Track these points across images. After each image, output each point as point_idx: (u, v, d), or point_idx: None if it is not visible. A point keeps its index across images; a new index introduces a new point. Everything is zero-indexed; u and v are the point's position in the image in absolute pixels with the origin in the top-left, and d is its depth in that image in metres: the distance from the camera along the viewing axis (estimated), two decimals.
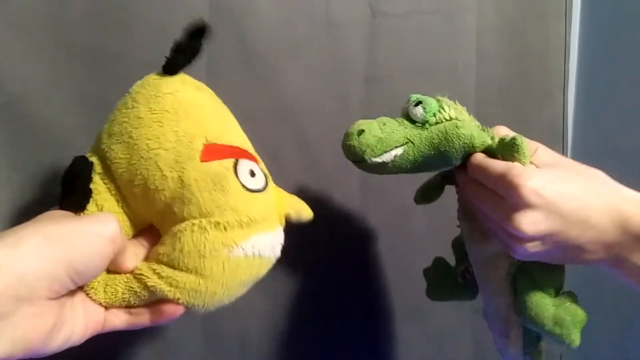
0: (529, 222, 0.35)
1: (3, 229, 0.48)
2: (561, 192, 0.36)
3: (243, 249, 0.33)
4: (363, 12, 0.57)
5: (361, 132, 0.40)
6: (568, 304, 0.41)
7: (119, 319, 0.34)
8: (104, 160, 0.35)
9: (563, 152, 0.67)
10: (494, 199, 0.38)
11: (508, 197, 0.36)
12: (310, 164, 0.57)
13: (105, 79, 0.47)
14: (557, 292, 0.42)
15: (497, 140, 0.40)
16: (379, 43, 0.58)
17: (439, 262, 0.53)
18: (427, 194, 0.50)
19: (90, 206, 0.34)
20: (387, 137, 0.40)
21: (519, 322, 0.43)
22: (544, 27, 0.65)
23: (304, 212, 0.40)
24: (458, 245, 0.52)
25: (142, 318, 0.34)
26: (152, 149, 0.33)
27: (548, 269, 0.41)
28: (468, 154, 0.41)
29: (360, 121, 0.42)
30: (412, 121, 0.41)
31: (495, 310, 0.45)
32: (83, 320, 0.32)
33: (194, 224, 0.33)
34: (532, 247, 0.36)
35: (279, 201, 0.37)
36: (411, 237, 0.57)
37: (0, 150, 0.45)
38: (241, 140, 0.38)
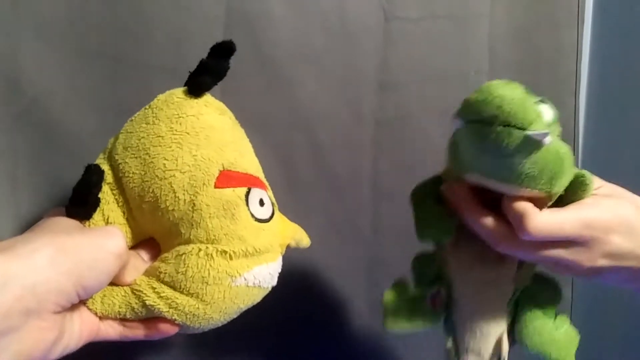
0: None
1: (23, 232, 0.47)
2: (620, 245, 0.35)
3: (245, 279, 0.34)
4: (376, 17, 0.56)
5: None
6: (566, 326, 0.41)
7: (113, 330, 0.34)
8: (115, 170, 0.35)
9: (574, 158, 0.68)
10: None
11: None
12: (323, 169, 0.56)
13: (122, 84, 0.47)
14: (556, 313, 0.41)
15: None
16: (392, 48, 0.57)
17: (401, 284, 0.45)
18: (440, 229, 0.41)
19: (96, 215, 0.34)
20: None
21: (508, 347, 0.42)
22: (556, 33, 0.64)
23: (303, 240, 0.40)
24: (426, 266, 0.45)
25: (136, 332, 0.34)
26: (168, 170, 0.33)
27: (551, 289, 0.41)
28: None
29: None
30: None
31: (485, 337, 0.42)
32: (79, 328, 0.32)
33: (200, 249, 0.33)
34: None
35: (282, 230, 0.38)
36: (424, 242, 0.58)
37: (20, 154, 0.44)
38: (255, 166, 0.38)
